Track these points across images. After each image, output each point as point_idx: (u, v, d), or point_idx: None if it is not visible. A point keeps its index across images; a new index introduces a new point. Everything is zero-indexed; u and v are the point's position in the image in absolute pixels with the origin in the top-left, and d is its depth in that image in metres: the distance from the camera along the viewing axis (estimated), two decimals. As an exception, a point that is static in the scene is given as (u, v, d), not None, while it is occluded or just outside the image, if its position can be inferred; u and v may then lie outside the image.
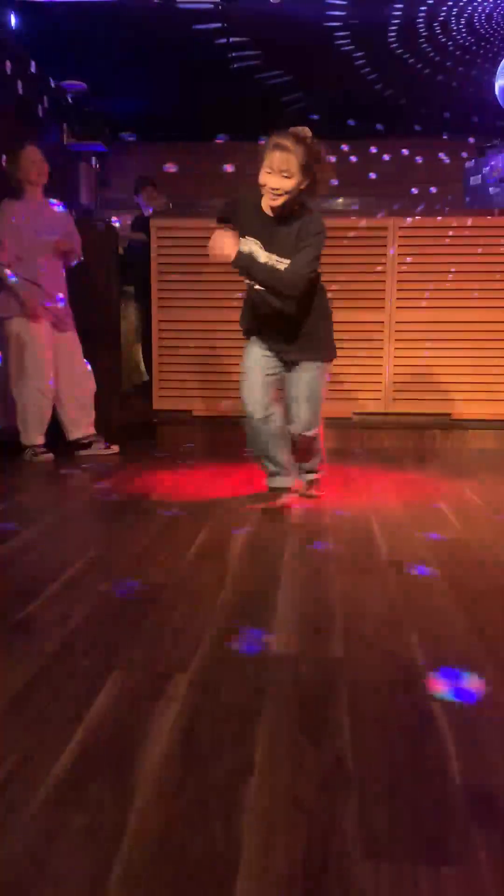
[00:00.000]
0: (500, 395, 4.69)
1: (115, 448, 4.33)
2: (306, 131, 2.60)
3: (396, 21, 5.47)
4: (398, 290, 4.68)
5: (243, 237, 2.72)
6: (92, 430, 4.31)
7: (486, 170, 6.17)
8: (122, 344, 5.39)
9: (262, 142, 2.62)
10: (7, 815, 1.05)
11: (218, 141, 7.65)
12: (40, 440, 4.12)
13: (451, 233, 4.64)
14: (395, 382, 4.74)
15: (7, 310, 4.06)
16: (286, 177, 2.57)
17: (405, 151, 7.98)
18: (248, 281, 2.76)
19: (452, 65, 6.24)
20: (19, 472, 3.84)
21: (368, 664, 1.55)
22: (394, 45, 5.87)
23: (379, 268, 4.67)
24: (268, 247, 2.71)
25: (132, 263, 5.56)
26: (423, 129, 7.50)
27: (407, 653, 1.60)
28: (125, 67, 6.29)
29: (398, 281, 4.68)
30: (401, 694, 1.42)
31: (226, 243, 2.66)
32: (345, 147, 7.75)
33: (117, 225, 5.80)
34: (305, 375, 2.87)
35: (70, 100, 6.85)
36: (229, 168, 7.13)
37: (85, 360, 4.30)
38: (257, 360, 2.89)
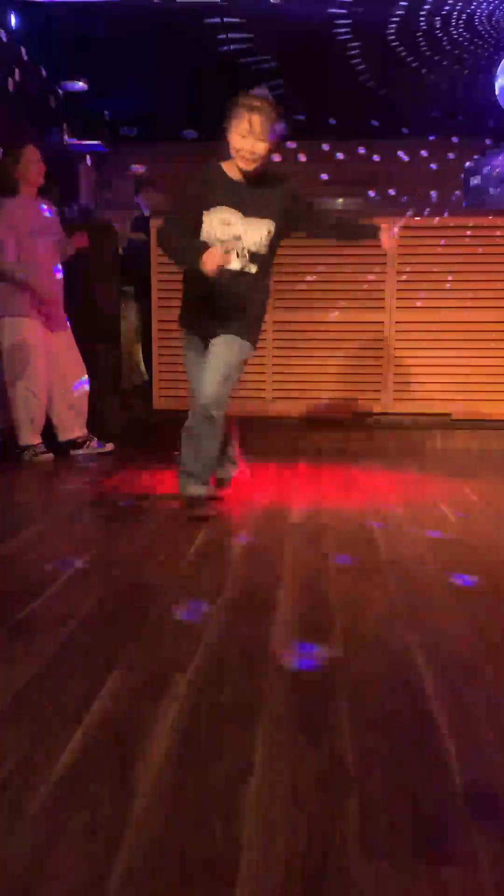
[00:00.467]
0: (500, 395, 4.69)
1: (110, 447, 4.31)
2: (266, 92, 2.62)
3: (395, 21, 5.47)
4: (398, 290, 4.68)
5: (215, 207, 2.68)
6: (84, 432, 4.28)
7: (486, 170, 6.17)
8: (122, 344, 5.38)
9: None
10: (7, 815, 1.05)
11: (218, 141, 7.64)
12: (36, 440, 4.09)
13: (450, 233, 4.64)
14: (395, 382, 4.74)
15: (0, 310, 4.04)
16: (261, 140, 2.58)
17: (405, 152, 7.98)
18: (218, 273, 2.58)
19: (450, 64, 6.24)
20: (19, 472, 3.83)
21: (368, 664, 1.55)
22: (395, 45, 5.87)
23: (379, 268, 4.67)
24: (242, 209, 2.69)
25: (132, 263, 5.55)
26: (423, 130, 7.49)
27: (407, 653, 1.60)
28: (125, 67, 6.28)
29: (398, 281, 4.68)
30: (401, 694, 1.42)
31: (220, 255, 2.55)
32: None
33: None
34: (223, 345, 2.72)
35: (70, 100, 6.84)
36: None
37: (81, 361, 4.27)
38: (197, 360, 2.82)
